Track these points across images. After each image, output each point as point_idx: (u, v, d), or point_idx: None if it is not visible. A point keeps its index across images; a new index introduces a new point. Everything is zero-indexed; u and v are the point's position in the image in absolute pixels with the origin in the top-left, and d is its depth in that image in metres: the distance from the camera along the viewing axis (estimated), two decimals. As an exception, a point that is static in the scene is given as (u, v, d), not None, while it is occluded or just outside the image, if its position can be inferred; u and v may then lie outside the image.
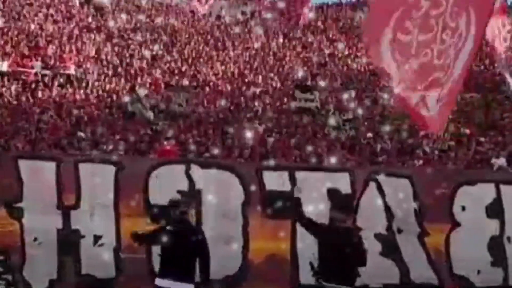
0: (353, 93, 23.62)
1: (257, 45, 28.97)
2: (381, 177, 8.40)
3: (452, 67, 7.80)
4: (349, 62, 28.48)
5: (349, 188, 8.35)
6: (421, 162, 15.64)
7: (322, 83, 23.41)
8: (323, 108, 20.64)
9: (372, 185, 8.40)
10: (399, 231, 8.28)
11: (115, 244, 8.16)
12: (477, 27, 7.62)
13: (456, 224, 8.29)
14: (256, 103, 21.89)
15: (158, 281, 7.36)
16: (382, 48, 8.06)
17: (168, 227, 7.38)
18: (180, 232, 7.31)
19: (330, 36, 31.86)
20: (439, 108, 8.04)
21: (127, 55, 26.81)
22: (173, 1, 33.50)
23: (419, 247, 8.25)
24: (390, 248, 8.24)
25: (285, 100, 22.17)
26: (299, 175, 8.41)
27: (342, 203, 7.62)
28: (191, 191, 8.20)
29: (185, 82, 24.45)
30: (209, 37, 29.90)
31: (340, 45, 29.72)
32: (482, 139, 17.80)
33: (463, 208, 8.31)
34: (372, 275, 8.11)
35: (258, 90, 23.89)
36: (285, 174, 8.40)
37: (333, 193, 8.12)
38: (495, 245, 8.23)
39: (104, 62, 25.88)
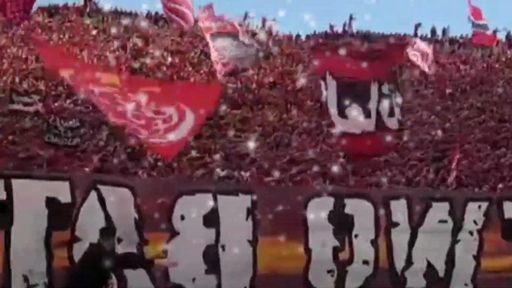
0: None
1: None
2: (103, 186, 8.34)
3: None
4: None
5: (69, 197, 8.17)
6: (145, 173, 15.81)
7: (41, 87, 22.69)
8: (49, 112, 19.99)
9: (93, 194, 8.31)
10: (119, 240, 8.27)
11: None
12: None
13: (175, 233, 8.50)
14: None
15: None
16: None
17: None
18: None
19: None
20: None
21: None
22: None
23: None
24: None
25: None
26: (16, 183, 8.04)
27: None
28: None
29: None
30: None
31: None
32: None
33: (182, 217, 8.54)
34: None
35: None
36: (0, 182, 7.98)
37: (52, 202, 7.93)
38: (210, 253, 8.57)
39: None
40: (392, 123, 10.32)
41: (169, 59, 29.25)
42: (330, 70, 10.33)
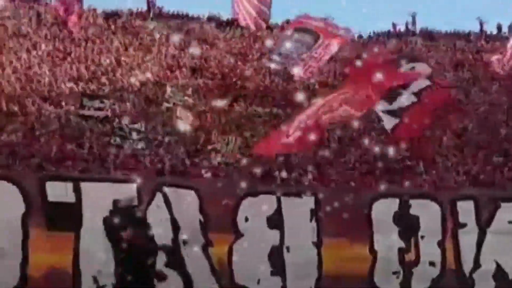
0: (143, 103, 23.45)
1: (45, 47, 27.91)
2: (168, 189, 8.44)
3: None
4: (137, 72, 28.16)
5: (136, 199, 8.31)
6: (209, 174, 15.87)
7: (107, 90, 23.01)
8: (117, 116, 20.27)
9: (159, 196, 8.42)
10: (184, 242, 8.36)
11: None
12: None
13: (239, 235, 8.54)
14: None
15: None
16: None
17: None
18: None
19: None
20: None
21: None
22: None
23: (203, 258, 8.38)
24: (175, 259, 8.29)
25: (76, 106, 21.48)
26: (84, 185, 8.22)
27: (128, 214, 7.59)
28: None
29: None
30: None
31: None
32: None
33: (246, 219, 8.58)
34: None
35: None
36: (69, 184, 8.17)
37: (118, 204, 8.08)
38: (275, 255, 8.58)
39: None
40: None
41: (231, 60, 29.36)
42: None
